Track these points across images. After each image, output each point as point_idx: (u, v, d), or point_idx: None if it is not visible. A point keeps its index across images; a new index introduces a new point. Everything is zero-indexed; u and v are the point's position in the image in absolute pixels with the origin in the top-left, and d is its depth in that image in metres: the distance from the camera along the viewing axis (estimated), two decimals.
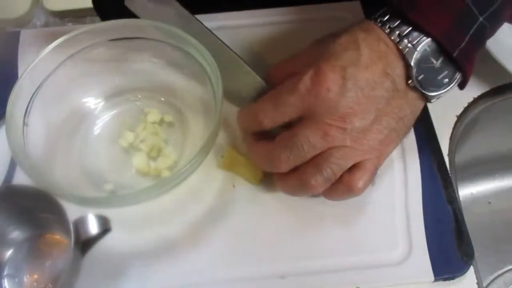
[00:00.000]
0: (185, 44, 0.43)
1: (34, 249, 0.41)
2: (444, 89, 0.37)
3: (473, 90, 0.50)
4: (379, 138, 0.37)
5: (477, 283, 0.40)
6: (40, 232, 0.41)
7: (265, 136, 0.40)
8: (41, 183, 0.37)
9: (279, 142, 0.38)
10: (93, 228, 0.37)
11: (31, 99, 0.42)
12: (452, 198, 0.43)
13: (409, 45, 0.35)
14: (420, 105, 0.39)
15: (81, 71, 0.45)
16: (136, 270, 0.40)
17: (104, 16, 0.55)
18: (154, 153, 0.45)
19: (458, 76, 0.37)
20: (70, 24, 0.57)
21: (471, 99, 0.50)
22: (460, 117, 0.49)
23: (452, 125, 0.48)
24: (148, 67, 0.46)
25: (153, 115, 0.46)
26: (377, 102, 0.36)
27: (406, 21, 0.36)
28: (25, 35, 0.53)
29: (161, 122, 0.47)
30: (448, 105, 0.49)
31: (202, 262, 0.40)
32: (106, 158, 0.45)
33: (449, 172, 0.44)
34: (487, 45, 0.47)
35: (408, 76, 0.36)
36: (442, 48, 0.36)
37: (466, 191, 0.64)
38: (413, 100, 0.37)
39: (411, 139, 0.46)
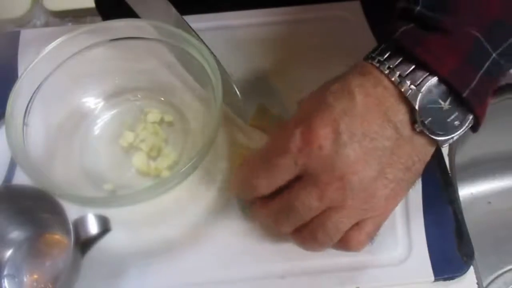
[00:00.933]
0: (185, 44, 0.43)
1: (34, 249, 0.41)
2: (455, 132, 0.33)
3: None
4: (384, 194, 0.33)
5: (477, 283, 0.40)
6: (40, 232, 0.41)
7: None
8: (41, 183, 0.37)
9: (277, 205, 0.35)
10: (93, 228, 0.37)
11: (31, 99, 0.42)
12: (452, 198, 0.43)
13: (412, 86, 0.32)
14: (430, 151, 0.34)
15: (81, 71, 0.45)
16: (136, 270, 0.40)
17: (106, 16, 0.55)
18: (154, 153, 0.45)
19: (470, 117, 0.33)
20: (70, 24, 0.57)
21: None
22: None
23: None
24: (148, 67, 0.46)
25: (153, 115, 0.46)
26: (379, 154, 0.32)
27: (408, 59, 0.32)
28: (25, 35, 0.53)
29: (161, 122, 0.47)
30: None
31: (202, 262, 0.40)
32: (106, 158, 0.45)
33: (449, 172, 0.44)
34: None
35: (413, 121, 0.32)
36: (450, 88, 0.32)
37: (466, 191, 0.64)
38: (421, 146, 0.33)
39: None
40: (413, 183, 0.35)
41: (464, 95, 0.31)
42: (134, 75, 0.47)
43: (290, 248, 0.41)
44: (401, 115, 0.32)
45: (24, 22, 0.57)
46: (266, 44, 0.51)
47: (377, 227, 0.35)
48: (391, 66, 0.32)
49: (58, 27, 0.55)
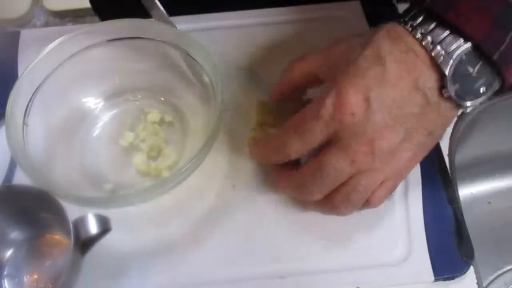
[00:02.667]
0: (185, 44, 0.43)
1: (34, 249, 0.41)
2: (481, 97, 0.33)
3: None
4: (407, 157, 0.35)
5: (477, 283, 0.40)
6: (40, 232, 0.41)
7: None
8: (41, 183, 0.37)
9: (307, 172, 0.36)
10: (93, 228, 0.37)
11: (31, 99, 0.42)
12: (452, 198, 0.43)
13: (443, 52, 0.32)
14: (453, 115, 0.35)
15: (81, 71, 0.45)
16: (136, 270, 0.40)
17: (103, 16, 0.55)
18: (154, 153, 0.45)
19: (496, 82, 0.33)
20: (70, 24, 0.57)
21: None
22: (460, 117, 0.49)
23: (452, 125, 0.48)
24: (148, 67, 0.46)
25: (153, 115, 0.46)
26: (406, 121, 0.33)
27: (441, 25, 0.32)
28: (25, 35, 0.53)
29: (161, 122, 0.47)
30: None
31: (202, 262, 0.40)
32: (106, 158, 0.45)
33: (449, 172, 0.44)
34: None
35: (441, 87, 0.33)
36: (480, 52, 0.32)
37: (466, 191, 0.64)
38: (446, 111, 0.34)
39: None
40: (432, 146, 0.37)
41: (494, 57, 0.32)
42: (134, 75, 0.47)
43: (290, 248, 0.41)
44: (431, 82, 0.33)
45: (24, 22, 0.56)
46: (266, 44, 0.51)
47: (396, 185, 0.37)
48: (423, 32, 0.32)
49: (58, 27, 0.55)
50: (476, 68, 0.32)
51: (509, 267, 0.61)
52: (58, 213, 0.36)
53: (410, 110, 0.33)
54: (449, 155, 0.46)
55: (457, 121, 0.48)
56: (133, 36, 0.45)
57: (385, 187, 0.36)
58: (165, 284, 0.39)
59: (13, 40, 0.52)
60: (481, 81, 0.33)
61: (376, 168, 0.35)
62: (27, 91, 0.42)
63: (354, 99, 0.33)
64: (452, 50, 0.32)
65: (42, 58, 0.42)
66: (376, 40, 0.34)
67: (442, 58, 0.32)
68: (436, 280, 0.39)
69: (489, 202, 0.64)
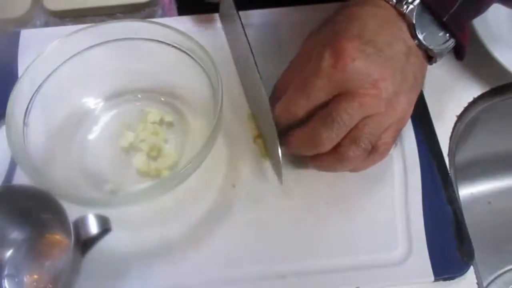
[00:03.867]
0: (185, 44, 0.43)
1: (34, 249, 0.41)
2: (445, 44, 0.38)
3: (473, 90, 0.50)
4: (407, 100, 0.37)
5: (477, 283, 0.40)
6: (40, 232, 0.41)
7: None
8: (41, 183, 0.37)
9: (317, 122, 0.37)
10: (93, 228, 0.37)
11: (31, 99, 0.42)
12: (452, 198, 0.43)
13: (405, 6, 0.36)
14: (426, 65, 0.39)
15: (81, 71, 0.45)
16: (136, 270, 0.40)
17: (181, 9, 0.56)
18: (154, 153, 0.45)
19: (450, 40, 0.38)
20: (70, 24, 0.57)
21: (471, 99, 0.50)
22: (460, 117, 0.49)
23: (452, 125, 0.48)
24: (148, 67, 0.46)
25: (153, 115, 0.46)
26: (399, 60, 0.36)
27: None
28: (25, 35, 0.53)
29: (161, 122, 0.47)
30: (448, 105, 0.49)
31: (202, 262, 0.40)
32: (106, 158, 0.45)
33: (449, 172, 0.44)
34: (487, 46, 0.47)
35: (412, 35, 0.37)
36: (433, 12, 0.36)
37: (466, 191, 0.64)
38: (421, 58, 0.38)
39: (411, 139, 0.46)
40: (417, 95, 0.39)
41: (444, 19, 0.36)
42: (134, 76, 0.47)
43: (290, 248, 0.41)
44: (405, 30, 0.37)
45: (24, 22, 0.56)
46: (266, 44, 0.51)
47: (400, 130, 0.39)
48: None
49: (58, 27, 0.55)
50: (436, 21, 0.37)
51: (509, 267, 0.61)
52: (58, 213, 0.36)
53: (399, 50, 0.36)
54: (449, 155, 0.46)
55: (457, 121, 0.48)
56: (133, 36, 0.45)
57: (390, 131, 0.37)
58: (165, 284, 0.39)
59: (13, 40, 0.52)
60: (442, 32, 0.38)
61: (382, 112, 0.36)
62: (27, 91, 0.42)
63: (350, 46, 0.35)
64: (412, 2, 0.36)
65: (42, 58, 0.42)
66: (343, 10, 0.38)
67: (408, 9, 0.36)
68: (436, 280, 0.39)
69: (489, 202, 0.64)
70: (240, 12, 0.47)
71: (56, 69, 0.43)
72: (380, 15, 0.37)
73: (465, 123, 0.50)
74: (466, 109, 0.49)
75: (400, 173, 0.44)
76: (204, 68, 0.43)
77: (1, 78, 0.49)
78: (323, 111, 0.36)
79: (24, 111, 0.41)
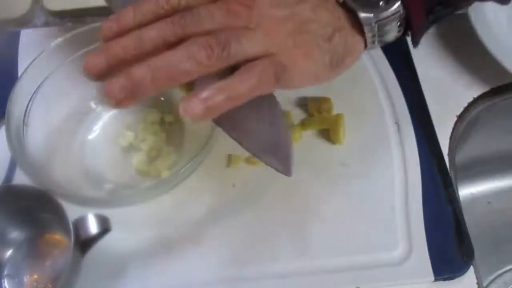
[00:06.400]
0: None
1: (34, 249, 0.41)
2: (380, 12, 0.31)
3: (473, 90, 0.50)
4: (292, 38, 0.31)
5: (477, 283, 0.40)
6: (40, 232, 0.41)
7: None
8: (41, 183, 0.37)
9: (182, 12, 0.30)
10: (93, 228, 0.37)
11: (31, 99, 0.42)
12: (452, 198, 0.43)
13: None
14: (353, 34, 0.33)
15: (81, 71, 0.45)
16: (136, 270, 0.40)
17: None
18: (154, 153, 0.45)
19: (397, 4, 0.31)
20: (70, 24, 0.57)
21: (471, 99, 0.50)
22: (460, 117, 0.49)
23: (452, 125, 0.48)
24: None
25: (153, 115, 0.46)
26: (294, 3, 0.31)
27: None
28: (25, 35, 0.53)
29: (161, 122, 0.47)
30: (448, 105, 0.49)
31: (202, 262, 0.40)
32: (106, 158, 0.45)
33: (449, 172, 0.44)
34: (487, 46, 0.47)
35: None
36: None
37: (466, 191, 0.64)
38: (342, 19, 0.32)
39: (411, 139, 0.46)
40: (331, 61, 0.32)
41: None
42: None
43: (290, 248, 0.41)
44: None
45: (24, 22, 0.56)
46: None
47: (283, 70, 0.31)
48: None
49: (58, 27, 0.55)
50: None
51: (508, 267, 0.61)
52: (58, 213, 0.36)
53: None
54: (449, 155, 0.46)
55: (457, 121, 0.48)
56: None
57: (268, 60, 0.30)
58: (165, 284, 0.39)
59: (13, 40, 0.52)
60: None
61: (252, 28, 0.30)
62: (27, 91, 0.42)
63: None
64: None
65: (42, 58, 0.42)
66: None
67: None
68: (436, 280, 0.39)
69: (489, 202, 0.64)
70: None
71: (56, 69, 0.43)
72: None
73: (465, 123, 0.50)
74: (466, 109, 0.49)
75: (400, 173, 0.44)
76: None
77: (1, 78, 0.50)
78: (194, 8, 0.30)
79: (24, 111, 0.41)
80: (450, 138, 0.47)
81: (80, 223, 0.36)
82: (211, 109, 0.29)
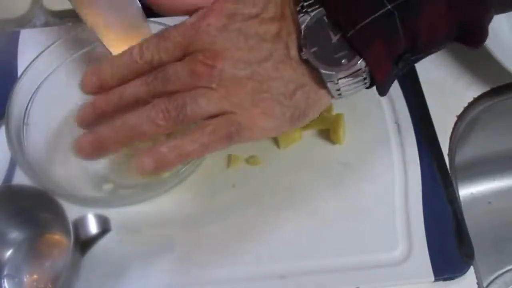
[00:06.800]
0: None
1: (34, 249, 0.41)
2: (340, 70, 0.31)
3: (473, 90, 0.50)
4: (252, 97, 0.32)
5: (477, 283, 0.40)
6: (40, 232, 0.41)
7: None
8: (41, 183, 0.37)
9: (153, 74, 0.33)
10: (93, 228, 0.37)
11: (31, 99, 0.42)
12: (452, 198, 0.43)
13: (306, 10, 0.32)
14: (316, 90, 0.33)
15: (81, 71, 0.45)
16: (136, 270, 0.40)
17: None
18: None
19: (359, 61, 0.31)
20: (70, 24, 0.57)
21: (471, 99, 0.50)
22: (460, 117, 0.49)
23: (452, 125, 0.48)
24: None
25: None
26: (260, 57, 0.32)
27: None
28: (25, 35, 0.53)
29: None
30: (448, 105, 0.49)
31: (202, 262, 0.40)
32: (106, 158, 0.45)
33: (449, 172, 0.44)
34: (487, 45, 0.47)
35: (301, 47, 0.32)
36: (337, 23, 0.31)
37: (466, 191, 0.64)
38: (305, 76, 0.33)
39: (411, 139, 0.46)
40: (292, 116, 0.33)
41: (348, 34, 0.30)
42: None
43: (290, 248, 0.41)
44: (294, 37, 0.32)
45: (24, 22, 0.56)
46: None
47: (238, 129, 0.33)
48: None
49: (58, 27, 0.55)
50: (337, 36, 0.31)
51: (509, 267, 0.61)
52: (58, 213, 0.36)
53: (269, 51, 0.32)
54: (449, 155, 0.46)
55: (457, 121, 0.48)
56: None
57: (223, 119, 0.32)
58: (165, 284, 0.39)
59: (13, 40, 0.52)
60: (342, 53, 0.31)
61: (213, 88, 0.32)
62: (27, 91, 0.42)
63: (217, 13, 0.32)
64: (312, 9, 0.31)
65: (42, 58, 0.42)
66: None
67: (303, 16, 0.32)
68: (436, 280, 0.39)
69: (489, 202, 0.64)
70: None
71: (56, 68, 0.43)
72: (283, 12, 0.33)
73: (465, 123, 0.50)
74: (466, 109, 0.49)
75: (400, 173, 0.44)
76: None
77: (1, 78, 0.49)
78: (161, 68, 0.33)
79: (24, 111, 0.41)
80: (450, 138, 0.47)
81: (80, 223, 0.36)
82: (162, 165, 0.33)
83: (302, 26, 0.32)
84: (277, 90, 0.32)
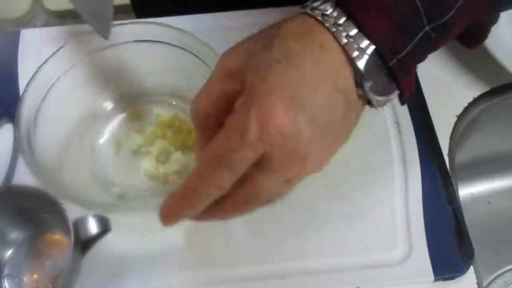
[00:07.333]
0: (195, 47, 0.43)
1: (34, 249, 0.41)
2: (387, 96, 0.32)
3: (473, 90, 0.50)
4: (327, 153, 0.33)
5: (477, 283, 0.40)
6: (40, 232, 0.41)
7: None
8: (50, 186, 0.37)
9: (240, 200, 0.32)
10: (93, 228, 0.37)
11: (40, 101, 0.41)
12: (452, 198, 0.43)
13: (356, 46, 0.29)
14: (362, 109, 0.33)
15: (90, 74, 0.44)
16: (136, 270, 0.40)
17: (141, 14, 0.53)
18: (163, 157, 0.44)
19: (394, 87, 0.31)
20: (70, 24, 0.57)
21: (471, 99, 0.50)
22: (460, 117, 0.49)
23: (452, 125, 0.48)
24: (159, 70, 0.46)
25: (163, 119, 0.46)
26: (333, 126, 0.31)
27: (350, 19, 0.30)
28: (25, 35, 0.53)
29: (171, 126, 0.46)
30: (448, 105, 0.49)
31: (201, 262, 0.40)
32: (115, 161, 0.45)
33: (449, 172, 0.44)
34: (487, 45, 0.48)
35: (356, 84, 0.30)
36: (380, 55, 0.30)
37: (466, 191, 0.64)
38: (360, 107, 0.32)
39: (411, 139, 0.46)
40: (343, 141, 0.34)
41: (390, 64, 0.30)
42: (144, 79, 0.47)
43: (290, 248, 0.41)
44: (350, 81, 0.30)
45: (24, 22, 0.57)
46: None
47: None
48: (336, 22, 0.30)
49: (58, 27, 0.55)
50: (384, 67, 0.31)
51: (509, 267, 0.61)
52: (58, 213, 0.36)
53: (336, 115, 0.31)
54: (449, 155, 0.46)
55: (457, 121, 0.48)
56: (144, 39, 0.44)
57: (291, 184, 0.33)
58: (165, 284, 0.39)
59: (13, 40, 0.52)
60: (382, 82, 0.31)
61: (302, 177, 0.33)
62: (36, 94, 0.41)
63: (280, 116, 0.29)
64: (366, 46, 0.29)
65: (52, 59, 0.42)
66: (285, 38, 0.31)
67: (357, 53, 0.29)
68: (436, 280, 0.39)
69: (489, 202, 0.64)
70: (234, 12, 0.47)
71: (65, 72, 0.43)
72: (325, 62, 0.30)
73: (465, 123, 0.50)
74: (466, 109, 0.49)
75: (400, 173, 0.44)
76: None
77: (1, 78, 0.49)
78: (246, 187, 0.31)
79: (33, 113, 0.41)
80: (450, 138, 0.47)
81: (80, 223, 0.36)
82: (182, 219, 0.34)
83: (363, 65, 0.30)
84: (343, 136, 0.33)
